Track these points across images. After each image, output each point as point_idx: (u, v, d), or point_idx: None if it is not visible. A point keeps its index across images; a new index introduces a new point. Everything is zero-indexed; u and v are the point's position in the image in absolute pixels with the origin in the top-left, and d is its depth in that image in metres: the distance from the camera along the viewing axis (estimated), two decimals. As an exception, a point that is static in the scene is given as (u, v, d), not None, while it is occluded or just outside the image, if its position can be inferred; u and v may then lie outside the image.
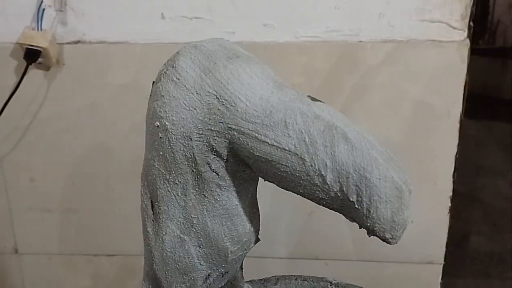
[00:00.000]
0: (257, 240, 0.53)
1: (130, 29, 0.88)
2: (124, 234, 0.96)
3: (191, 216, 0.48)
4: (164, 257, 0.50)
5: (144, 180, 0.50)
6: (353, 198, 0.43)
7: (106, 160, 0.93)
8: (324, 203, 0.45)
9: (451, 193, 0.94)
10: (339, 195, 0.44)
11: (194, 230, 0.49)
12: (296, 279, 0.60)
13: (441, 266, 0.98)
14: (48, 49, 0.87)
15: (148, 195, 0.50)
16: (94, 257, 0.99)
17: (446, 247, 0.96)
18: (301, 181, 0.44)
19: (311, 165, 0.43)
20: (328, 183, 0.43)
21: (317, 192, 0.44)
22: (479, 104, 1.96)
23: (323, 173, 0.43)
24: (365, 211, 0.43)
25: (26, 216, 0.97)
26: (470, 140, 2.10)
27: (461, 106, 0.89)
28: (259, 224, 0.53)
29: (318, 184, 0.44)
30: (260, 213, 0.54)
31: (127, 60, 0.89)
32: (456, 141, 0.90)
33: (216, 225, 0.49)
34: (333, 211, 0.46)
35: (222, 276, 0.52)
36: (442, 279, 0.98)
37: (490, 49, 2.75)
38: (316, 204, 0.96)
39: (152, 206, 0.50)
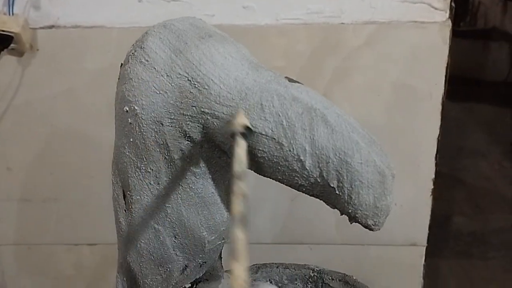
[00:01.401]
0: (236, 228, 0.50)
1: (106, 12, 0.83)
2: (105, 223, 0.90)
3: (165, 206, 0.45)
4: (138, 248, 0.46)
5: (115, 169, 0.47)
6: (334, 183, 0.40)
7: (85, 147, 0.89)
8: (304, 189, 0.42)
9: (433, 176, 0.92)
10: (319, 180, 0.41)
11: (169, 220, 0.45)
12: (277, 267, 0.58)
13: (424, 248, 0.97)
14: (21, 34, 0.82)
15: (120, 184, 0.46)
16: (75, 247, 0.95)
17: (429, 228, 0.95)
18: (279, 167, 0.41)
19: (289, 150, 0.40)
20: (308, 168, 0.40)
21: (296, 178, 0.41)
22: (460, 86, 1.95)
23: (302, 158, 0.40)
24: (346, 197, 0.40)
25: (4, 206, 0.93)
26: (452, 122, 2.09)
27: (443, 87, 0.87)
28: (237, 212, 0.50)
29: (297, 169, 0.40)
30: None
31: (103, 45, 0.85)
32: (438, 123, 0.88)
33: (192, 214, 0.45)
34: (313, 197, 0.43)
35: (200, 266, 0.48)
36: (425, 260, 0.97)
37: (471, 31, 2.72)
38: (300, 189, 0.94)
39: (124, 196, 0.46)
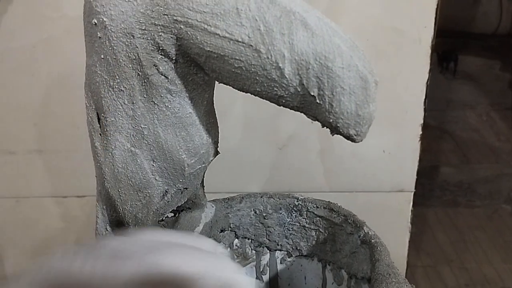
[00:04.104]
0: (217, 153, 0.48)
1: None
2: (93, 174, 0.90)
3: (141, 127, 0.42)
4: (116, 173, 0.44)
5: (88, 91, 0.44)
6: (314, 92, 0.38)
7: (68, 96, 0.86)
8: (284, 101, 0.39)
9: (422, 121, 0.90)
10: (299, 90, 0.38)
11: (146, 142, 0.43)
12: (261, 197, 0.56)
13: (412, 193, 0.95)
14: (-4, -20, 0.77)
15: (93, 107, 0.43)
16: (64, 199, 0.93)
17: (417, 178, 0.93)
18: (257, 77, 0.38)
19: (268, 57, 0.37)
20: (287, 76, 0.37)
21: (275, 89, 0.38)
22: (450, 38, 1.92)
23: (280, 65, 0.37)
24: (327, 106, 0.38)
25: (-12, 159, 0.90)
26: (440, 74, 2.07)
27: (432, 30, 0.84)
28: (217, 136, 0.47)
29: (276, 78, 0.38)
30: (219, 124, 0.48)
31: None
32: (428, 67, 0.86)
33: (170, 136, 0.43)
34: (293, 110, 0.40)
35: (181, 192, 0.46)
36: (412, 208, 0.96)
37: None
38: (287, 138, 0.92)
39: (99, 119, 0.44)
